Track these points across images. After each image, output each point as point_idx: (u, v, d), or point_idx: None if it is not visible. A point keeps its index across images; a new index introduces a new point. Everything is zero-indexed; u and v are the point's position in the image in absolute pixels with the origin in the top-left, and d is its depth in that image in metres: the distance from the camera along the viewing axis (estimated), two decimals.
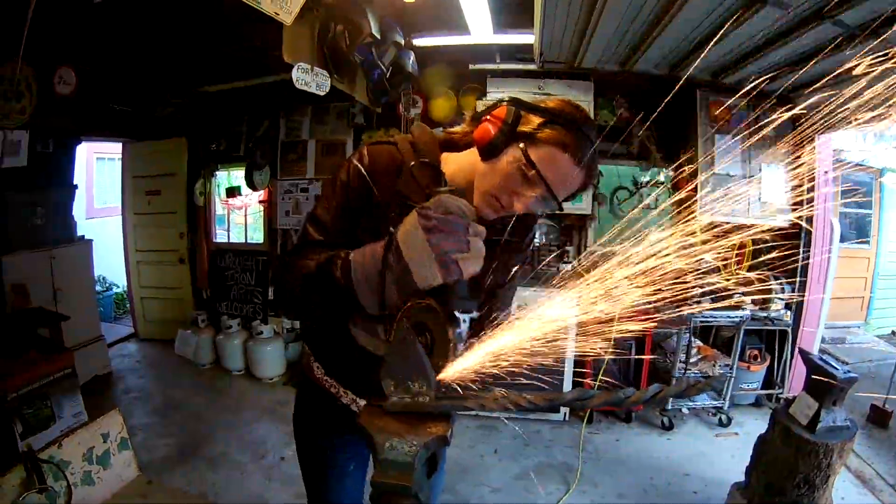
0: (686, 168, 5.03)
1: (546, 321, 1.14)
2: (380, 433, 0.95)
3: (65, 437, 2.44)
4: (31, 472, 2.19)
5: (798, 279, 5.01)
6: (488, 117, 1.32)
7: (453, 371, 1.06)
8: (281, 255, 6.11)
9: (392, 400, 1.01)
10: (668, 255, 1.16)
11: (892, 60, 1.15)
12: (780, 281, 4.91)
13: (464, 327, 1.10)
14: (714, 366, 4.88)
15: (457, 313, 1.10)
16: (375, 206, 1.37)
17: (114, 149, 7.81)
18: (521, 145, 1.25)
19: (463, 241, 1.09)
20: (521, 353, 1.11)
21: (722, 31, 3.45)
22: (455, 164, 1.42)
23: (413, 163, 1.36)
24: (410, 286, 1.10)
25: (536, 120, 1.26)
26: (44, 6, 2.88)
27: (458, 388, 1.06)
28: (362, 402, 1.62)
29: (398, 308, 1.12)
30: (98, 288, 7.15)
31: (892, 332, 8.01)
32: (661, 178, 5.31)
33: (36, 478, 2.19)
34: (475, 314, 1.14)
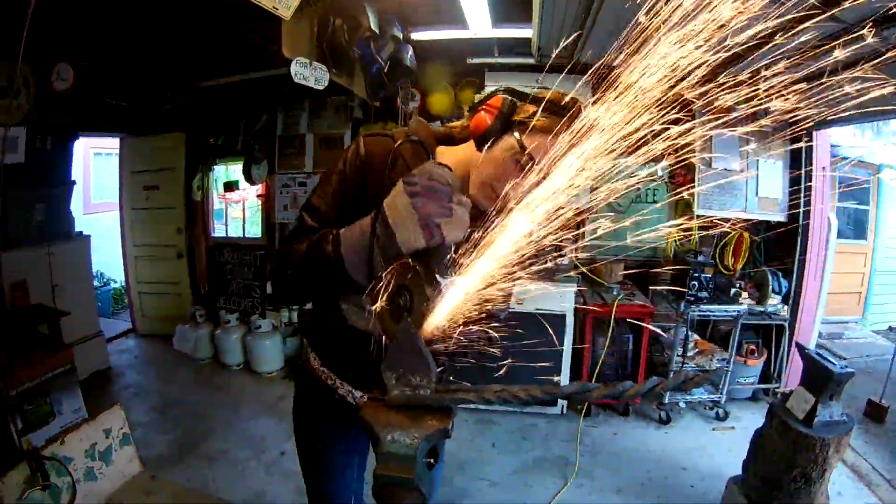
0: (683, 162, 5.04)
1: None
2: (382, 426, 0.96)
3: (67, 433, 2.45)
4: (35, 470, 2.19)
5: (795, 274, 5.03)
6: (483, 107, 1.34)
7: (433, 323, 1.08)
8: (280, 243, 6.11)
9: (393, 393, 1.02)
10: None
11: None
12: (776, 276, 4.92)
13: (444, 290, 1.12)
14: (711, 360, 4.90)
15: (438, 277, 1.11)
16: (370, 195, 1.37)
17: (111, 144, 7.80)
18: (516, 134, 1.27)
19: (446, 206, 1.11)
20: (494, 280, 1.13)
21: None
22: (452, 156, 1.43)
23: (400, 141, 1.38)
24: (395, 250, 1.11)
25: (531, 109, 1.28)
26: (40, 2, 2.88)
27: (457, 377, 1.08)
28: (358, 394, 1.63)
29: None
30: (96, 283, 7.15)
31: (889, 328, 8.05)
32: (659, 172, 5.31)
33: (39, 475, 2.20)
34: (455, 278, 1.15)
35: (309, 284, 1.33)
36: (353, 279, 1.19)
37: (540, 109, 1.27)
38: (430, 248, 1.12)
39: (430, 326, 1.08)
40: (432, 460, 1.01)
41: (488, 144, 1.32)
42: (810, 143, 4.83)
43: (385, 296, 1.11)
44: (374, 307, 1.12)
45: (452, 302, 1.10)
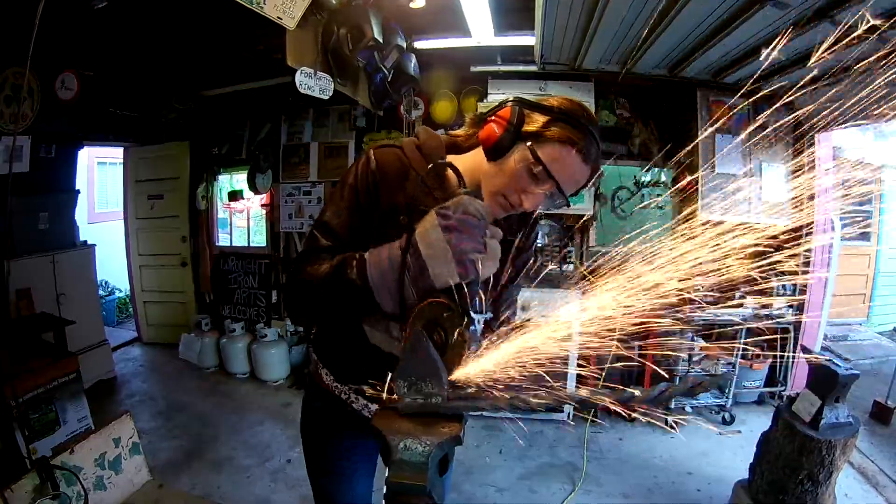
0: (687, 167, 5.05)
1: (555, 329, 1.15)
2: (394, 434, 0.97)
3: (76, 442, 2.45)
4: (45, 479, 2.20)
5: (799, 277, 5.03)
6: (493, 118, 1.33)
7: (466, 370, 1.08)
8: (291, 262, 6.10)
9: (405, 401, 1.03)
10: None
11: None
12: (780, 279, 4.91)
13: (478, 327, 1.12)
14: (717, 364, 4.90)
15: (471, 313, 1.11)
16: (382, 209, 1.38)
17: (115, 153, 7.84)
18: (529, 144, 1.27)
19: (481, 242, 1.12)
20: (530, 356, 1.12)
21: (723, 32, 3.47)
22: (460, 165, 1.41)
23: (430, 165, 1.37)
24: (427, 284, 1.12)
25: (541, 118, 1.29)
26: (46, 11, 2.90)
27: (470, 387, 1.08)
28: (373, 408, 1.63)
29: (414, 306, 1.13)
30: (101, 292, 7.16)
31: (894, 329, 8.03)
32: (663, 177, 5.32)
33: (49, 484, 2.20)
34: (489, 315, 1.16)
35: (329, 309, 1.32)
36: (380, 307, 1.18)
37: (550, 119, 1.28)
38: (463, 283, 1.12)
39: (464, 368, 1.08)
40: (443, 467, 1.01)
41: (499, 155, 1.32)
42: (813, 146, 4.83)
43: (419, 328, 1.10)
44: (404, 336, 1.12)
45: (490, 357, 1.10)
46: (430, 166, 1.36)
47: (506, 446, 4.52)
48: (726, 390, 4.85)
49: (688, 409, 5.01)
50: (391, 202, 1.38)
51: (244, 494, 3.84)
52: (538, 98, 1.33)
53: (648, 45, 3.97)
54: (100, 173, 9.47)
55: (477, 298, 1.15)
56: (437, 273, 1.11)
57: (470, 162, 1.42)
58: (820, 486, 3.05)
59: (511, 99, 1.34)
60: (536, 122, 1.29)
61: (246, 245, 6.79)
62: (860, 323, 8.17)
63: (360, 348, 1.48)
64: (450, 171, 1.36)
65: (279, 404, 5.28)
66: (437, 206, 1.15)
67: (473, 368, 1.08)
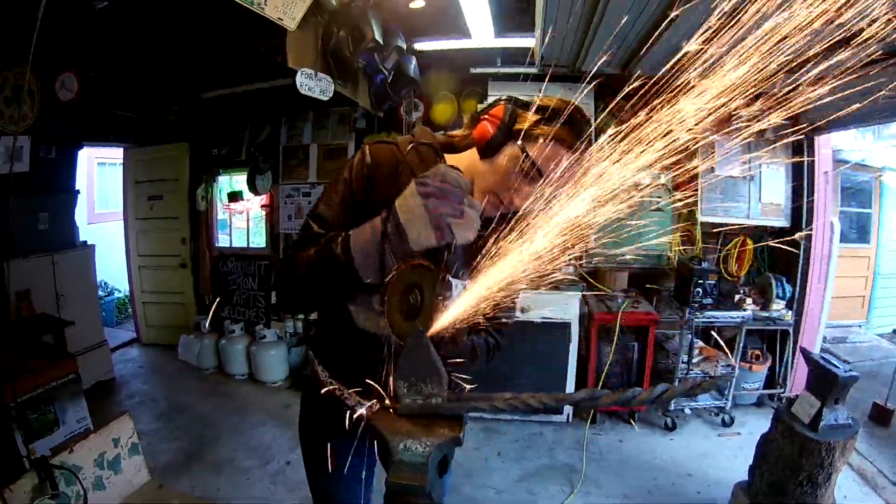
0: (686, 169, 5.04)
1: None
2: (394, 435, 0.97)
3: (76, 442, 2.45)
4: (44, 479, 2.20)
5: (799, 279, 5.03)
6: (486, 117, 1.36)
7: (442, 324, 1.09)
8: (283, 253, 6.09)
9: (405, 402, 1.03)
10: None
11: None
12: (780, 281, 4.92)
13: (455, 292, 1.13)
14: (716, 366, 4.89)
15: (449, 277, 1.12)
16: (376, 203, 1.38)
17: (115, 154, 7.84)
18: (519, 142, 1.29)
19: (458, 208, 1.13)
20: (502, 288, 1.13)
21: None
22: (455, 164, 1.44)
23: (411, 144, 1.39)
24: (405, 249, 1.14)
25: (533, 117, 1.30)
26: (46, 12, 2.90)
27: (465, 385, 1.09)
28: (367, 405, 1.63)
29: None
30: (100, 293, 7.15)
31: (893, 331, 8.02)
32: (662, 179, 5.31)
33: (48, 484, 2.20)
34: (465, 282, 1.16)
35: (317, 288, 1.34)
36: (363, 279, 1.20)
37: (542, 118, 1.29)
38: (441, 248, 1.14)
39: (439, 325, 1.09)
40: (442, 468, 1.02)
41: (492, 153, 1.34)
42: (812, 148, 4.84)
43: (396, 293, 1.12)
44: (384, 304, 1.14)
45: (462, 303, 1.11)
46: (410, 146, 1.38)
47: (504, 448, 4.52)
48: (725, 392, 4.85)
49: (687, 410, 5.01)
50: (384, 195, 1.38)
51: (244, 497, 3.83)
52: (531, 97, 1.35)
53: (648, 47, 3.97)
54: (100, 174, 9.48)
55: (456, 265, 1.17)
56: (414, 237, 1.13)
57: (464, 161, 1.44)
58: (819, 487, 3.05)
59: (504, 98, 1.36)
60: (528, 120, 1.31)
61: (245, 246, 6.78)
62: (859, 325, 8.17)
63: (352, 339, 1.48)
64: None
65: (280, 405, 5.28)
66: (419, 175, 1.18)
67: (448, 321, 1.10)
